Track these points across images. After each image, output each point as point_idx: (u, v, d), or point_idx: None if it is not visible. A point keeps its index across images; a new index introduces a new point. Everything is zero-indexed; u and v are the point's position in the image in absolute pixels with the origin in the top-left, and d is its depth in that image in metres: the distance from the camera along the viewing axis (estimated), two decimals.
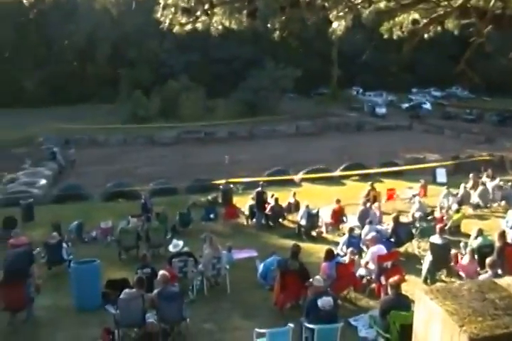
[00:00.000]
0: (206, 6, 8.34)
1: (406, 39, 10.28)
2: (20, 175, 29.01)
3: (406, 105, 52.79)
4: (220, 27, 8.98)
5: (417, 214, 15.53)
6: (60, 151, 36.23)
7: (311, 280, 9.00)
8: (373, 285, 10.55)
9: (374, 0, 8.79)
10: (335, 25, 9.45)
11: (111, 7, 58.43)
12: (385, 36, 10.23)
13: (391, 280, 8.29)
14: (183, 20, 8.58)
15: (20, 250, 10.67)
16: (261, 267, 11.34)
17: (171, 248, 12.25)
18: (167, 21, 8.57)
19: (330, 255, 10.43)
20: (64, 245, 12.77)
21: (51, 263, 12.41)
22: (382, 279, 10.02)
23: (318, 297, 8.14)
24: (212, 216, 16.69)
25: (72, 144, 38.87)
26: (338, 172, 24.41)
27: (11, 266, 9.73)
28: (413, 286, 9.29)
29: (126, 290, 8.92)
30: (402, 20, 9.67)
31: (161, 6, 8.50)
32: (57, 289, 10.83)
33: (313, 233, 15.26)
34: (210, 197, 19.79)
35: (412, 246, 13.44)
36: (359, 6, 8.93)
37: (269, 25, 9.29)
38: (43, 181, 26.79)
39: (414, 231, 13.81)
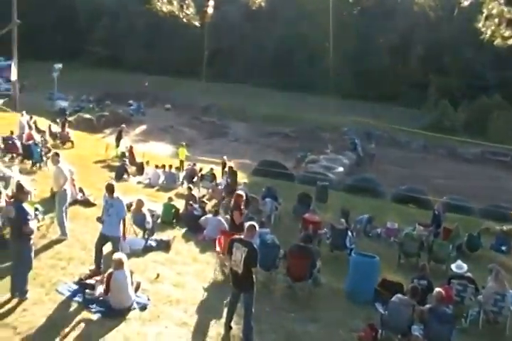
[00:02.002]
0: None
1: None
2: (322, 158, 31.05)
3: None
4: None
5: None
6: (361, 144, 37.50)
7: None
8: None
9: None
10: None
11: (429, 10, 57.29)
12: None
13: None
14: (507, 33, 7.86)
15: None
16: None
17: (453, 267, 11.60)
18: (488, 32, 7.95)
19: None
20: (349, 233, 13.17)
21: (334, 246, 12.96)
22: None
23: None
24: (504, 248, 15.38)
25: (373, 139, 39.82)
26: None
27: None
28: None
29: (399, 295, 8.77)
30: None
31: (484, 15, 7.92)
32: (334, 272, 11.25)
33: None
34: (505, 227, 18.24)
35: None
36: None
37: None
38: (340, 168, 28.20)
39: None
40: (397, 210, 20.09)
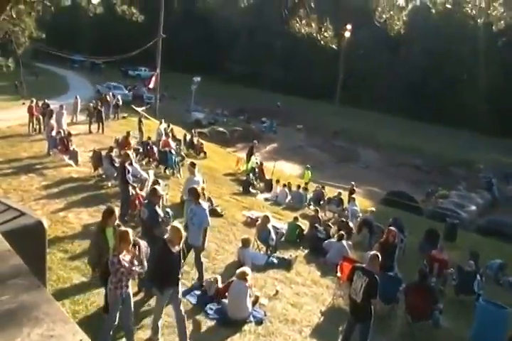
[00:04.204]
0: None
1: None
2: (453, 194, 29.64)
3: None
4: None
5: None
6: (497, 184, 35.30)
7: None
8: None
9: None
10: None
11: None
12: None
13: None
14: None
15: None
16: None
17: None
18: None
19: None
20: (478, 277, 12.33)
21: (460, 289, 12.15)
22: None
23: None
24: None
25: (511, 180, 37.31)
26: None
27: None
28: None
29: None
30: None
31: None
32: (458, 316, 10.61)
33: None
34: None
35: None
36: None
37: None
38: (473, 207, 26.71)
39: None
40: None
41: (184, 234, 7.03)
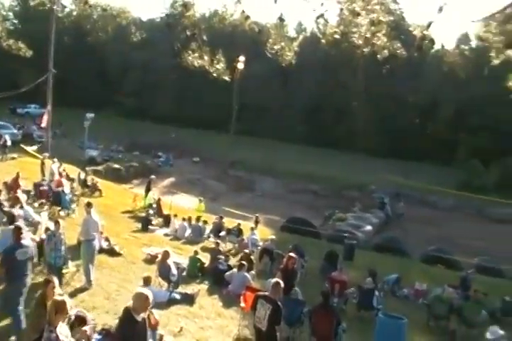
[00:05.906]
0: None
1: None
2: (349, 216, 30.80)
3: None
4: None
5: None
6: (389, 203, 37.15)
7: None
8: None
9: None
10: None
11: (458, 69, 58.43)
12: None
13: None
14: None
15: None
16: None
17: (488, 335, 11.12)
18: None
19: None
20: (376, 293, 12.85)
21: (361, 306, 12.64)
22: None
23: None
24: None
25: (401, 198, 39.43)
26: None
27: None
28: None
29: None
30: None
31: None
32: (360, 332, 10.92)
33: None
34: None
35: None
36: None
37: None
38: (369, 227, 27.91)
39: None
40: (426, 271, 19.60)
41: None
